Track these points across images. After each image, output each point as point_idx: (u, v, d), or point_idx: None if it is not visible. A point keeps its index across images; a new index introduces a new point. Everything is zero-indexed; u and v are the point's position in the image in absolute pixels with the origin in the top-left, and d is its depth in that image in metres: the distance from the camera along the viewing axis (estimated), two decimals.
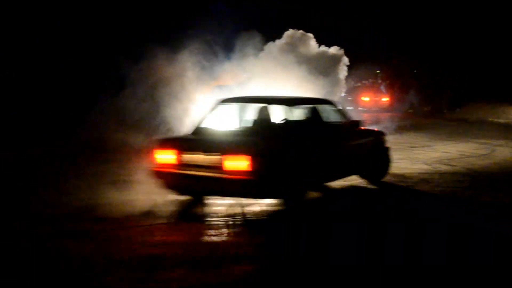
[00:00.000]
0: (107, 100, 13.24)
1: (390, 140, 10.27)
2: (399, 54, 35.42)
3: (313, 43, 14.59)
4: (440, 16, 31.50)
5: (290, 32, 14.56)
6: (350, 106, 32.03)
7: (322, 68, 13.91)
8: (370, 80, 35.73)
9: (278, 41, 14.40)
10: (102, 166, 10.08)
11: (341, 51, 14.83)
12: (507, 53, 28.54)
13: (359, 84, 34.09)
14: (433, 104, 30.42)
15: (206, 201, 7.64)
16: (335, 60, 14.61)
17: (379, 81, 35.82)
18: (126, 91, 13.25)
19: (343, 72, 14.91)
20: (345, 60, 14.74)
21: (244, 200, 7.45)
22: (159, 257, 5.20)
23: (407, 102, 31.65)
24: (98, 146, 11.68)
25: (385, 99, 31.79)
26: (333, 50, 14.82)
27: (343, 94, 30.59)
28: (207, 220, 6.74)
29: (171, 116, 12.59)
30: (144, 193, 7.66)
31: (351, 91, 31.61)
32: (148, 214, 6.89)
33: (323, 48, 14.67)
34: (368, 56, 29.11)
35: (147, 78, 13.11)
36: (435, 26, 31.47)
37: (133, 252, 5.33)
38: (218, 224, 6.52)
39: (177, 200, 7.61)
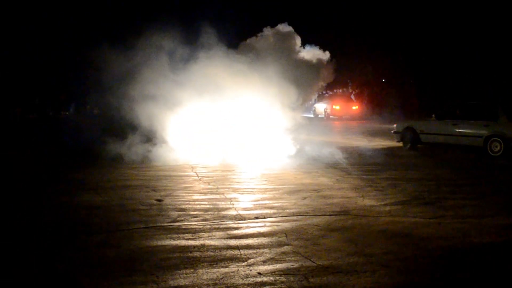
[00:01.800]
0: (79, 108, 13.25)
1: None
2: (369, 63, 36.06)
3: (295, 44, 13.73)
4: (409, 28, 32.14)
5: (267, 31, 13.82)
6: (321, 114, 32.51)
7: (301, 74, 13.40)
8: (341, 89, 36.30)
9: (253, 40, 13.81)
10: None
11: (326, 56, 14.19)
12: (475, 62, 29.23)
13: (330, 93, 34.63)
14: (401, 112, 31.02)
15: None
16: (317, 66, 13.99)
17: (350, 90, 36.35)
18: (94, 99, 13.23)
19: (323, 79, 14.30)
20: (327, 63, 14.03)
21: None
22: None
23: (375, 110, 32.33)
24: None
25: (355, 107, 32.32)
26: (319, 54, 14.21)
27: (315, 103, 30.86)
28: None
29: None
30: None
31: (322, 99, 32.06)
32: None
33: (306, 52, 13.91)
34: (339, 66, 29.50)
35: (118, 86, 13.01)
36: (404, 37, 32.12)
37: None
38: None
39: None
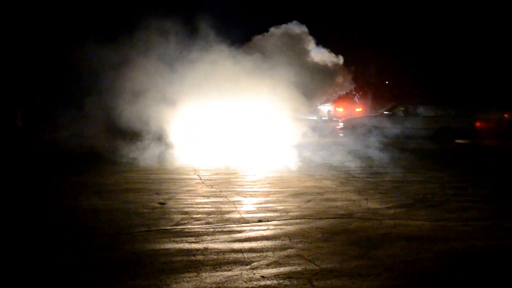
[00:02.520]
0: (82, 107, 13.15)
1: None
2: (373, 66, 36.05)
3: (308, 46, 13.08)
4: (412, 30, 32.12)
5: (275, 29, 13.17)
6: (325, 117, 32.46)
7: (313, 78, 12.80)
8: (345, 92, 36.21)
9: (259, 39, 13.29)
10: None
11: (340, 61, 13.63)
12: (475, 62, 29.23)
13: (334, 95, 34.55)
14: None
15: None
16: (332, 71, 13.34)
17: (353, 92, 36.26)
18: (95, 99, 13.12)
19: (338, 86, 13.69)
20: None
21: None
22: None
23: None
24: None
25: (359, 109, 32.25)
26: (331, 57, 13.34)
27: (319, 105, 30.76)
28: None
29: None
30: None
31: (326, 101, 31.96)
32: None
33: (317, 54, 13.26)
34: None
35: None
36: (408, 38, 32.10)
37: None
38: None
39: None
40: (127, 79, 12.70)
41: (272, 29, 13.50)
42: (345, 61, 14.01)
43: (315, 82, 13.03)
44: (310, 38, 13.54)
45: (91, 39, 12.71)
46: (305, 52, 13.32)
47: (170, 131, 12.98)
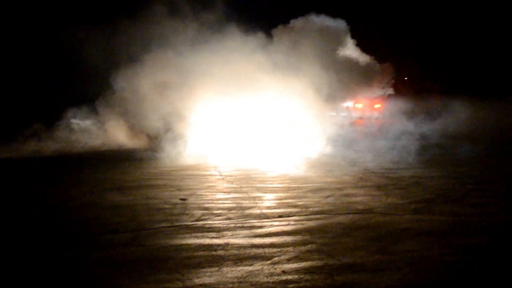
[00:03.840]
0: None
1: None
2: (391, 61, 35.81)
3: (345, 44, 12.40)
4: (427, 25, 31.89)
5: (302, 21, 12.49)
6: (344, 113, 32.31)
7: (347, 80, 12.09)
8: None
9: (281, 31, 12.78)
10: None
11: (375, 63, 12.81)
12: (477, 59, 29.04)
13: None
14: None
15: None
16: (370, 75, 12.70)
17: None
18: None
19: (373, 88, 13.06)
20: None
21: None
22: None
23: (398, 108, 32.05)
24: None
25: (377, 105, 32.06)
26: (366, 58, 12.61)
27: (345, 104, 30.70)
28: None
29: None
30: None
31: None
32: None
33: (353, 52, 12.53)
34: None
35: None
36: (424, 34, 31.88)
37: None
38: None
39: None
40: (145, 74, 12.67)
41: (298, 21, 13.01)
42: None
43: (346, 82, 12.64)
44: (348, 36, 12.89)
45: (100, 29, 12.68)
46: (339, 50, 12.72)
47: (190, 128, 13.02)
